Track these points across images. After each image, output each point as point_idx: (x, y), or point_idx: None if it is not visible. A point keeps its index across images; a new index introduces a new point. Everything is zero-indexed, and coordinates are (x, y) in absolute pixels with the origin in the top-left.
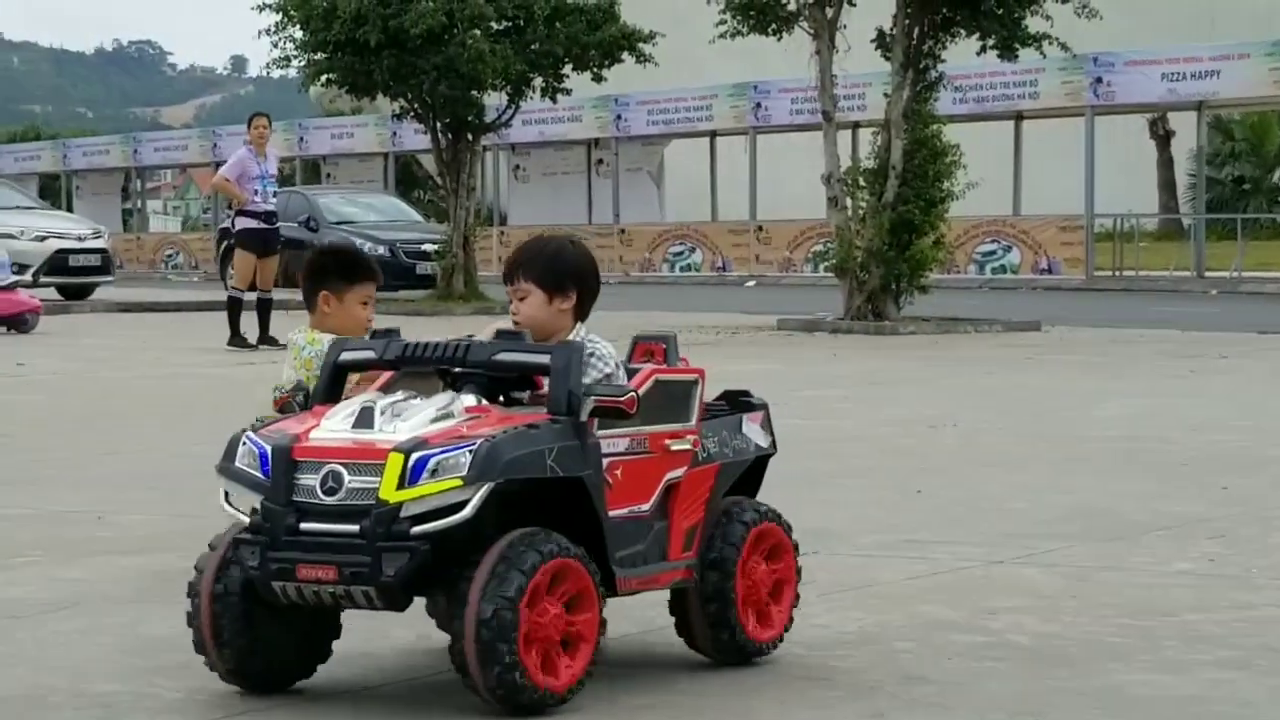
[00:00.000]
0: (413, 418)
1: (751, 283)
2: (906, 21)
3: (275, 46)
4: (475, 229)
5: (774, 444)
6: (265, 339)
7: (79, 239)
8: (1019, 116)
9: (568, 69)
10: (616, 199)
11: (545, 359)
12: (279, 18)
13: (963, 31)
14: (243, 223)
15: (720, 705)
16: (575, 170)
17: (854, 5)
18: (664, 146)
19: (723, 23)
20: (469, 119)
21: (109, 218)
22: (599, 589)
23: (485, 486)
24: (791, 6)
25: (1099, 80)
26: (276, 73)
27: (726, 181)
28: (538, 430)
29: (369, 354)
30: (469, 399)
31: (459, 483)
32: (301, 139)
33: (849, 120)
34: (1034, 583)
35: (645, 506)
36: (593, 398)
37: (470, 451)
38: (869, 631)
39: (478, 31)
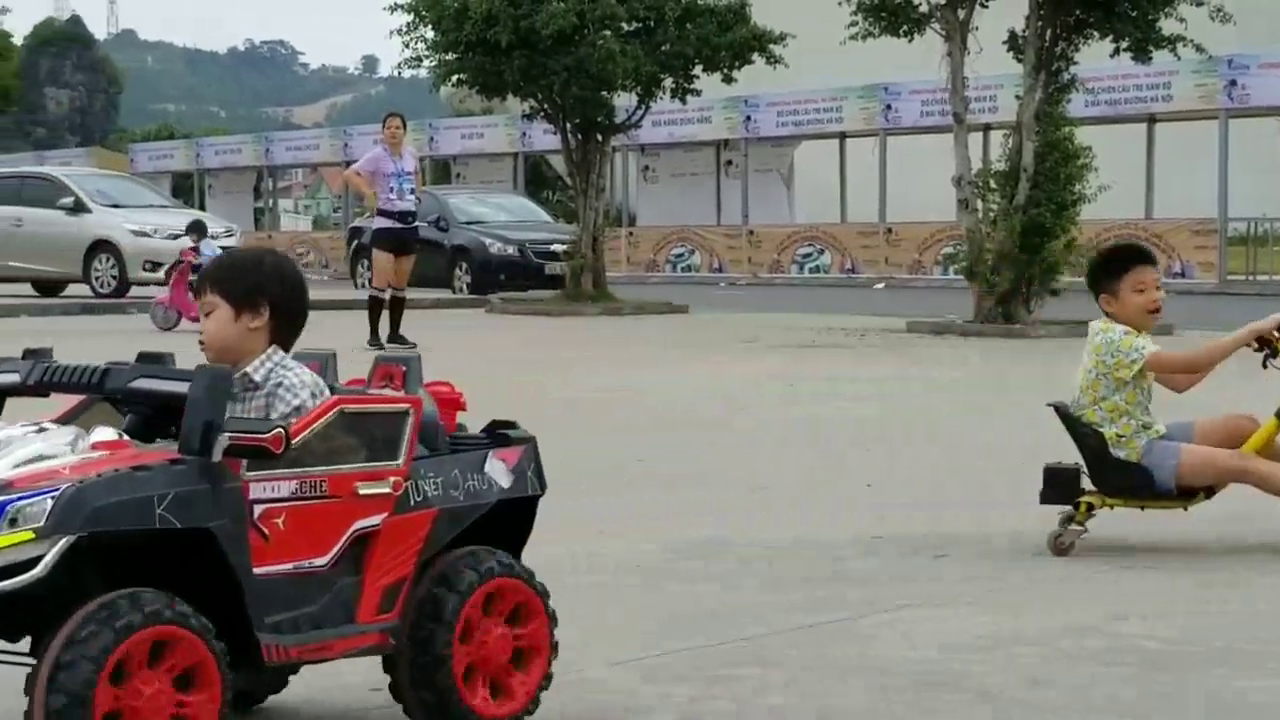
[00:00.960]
0: (9, 455)
1: (880, 285)
2: (1039, 23)
3: (407, 47)
4: (604, 229)
5: (536, 484)
6: (395, 338)
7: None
8: (1152, 119)
9: (698, 70)
10: (745, 200)
11: (183, 387)
12: (410, 18)
13: (1096, 33)
14: (379, 222)
15: (853, 708)
16: (704, 171)
17: (986, 7)
18: (794, 148)
19: (854, 24)
20: (599, 120)
21: (241, 216)
22: (220, 659)
23: (63, 540)
24: (923, 8)
25: (1233, 83)
26: (407, 73)
27: (856, 183)
28: (147, 473)
29: (14, 377)
30: (105, 433)
31: (31, 535)
32: (432, 139)
33: (980, 122)
34: (1163, 589)
35: (322, 560)
36: (226, 435)
37: (52, 498)
38: (997, 635)
39: (608, 32)
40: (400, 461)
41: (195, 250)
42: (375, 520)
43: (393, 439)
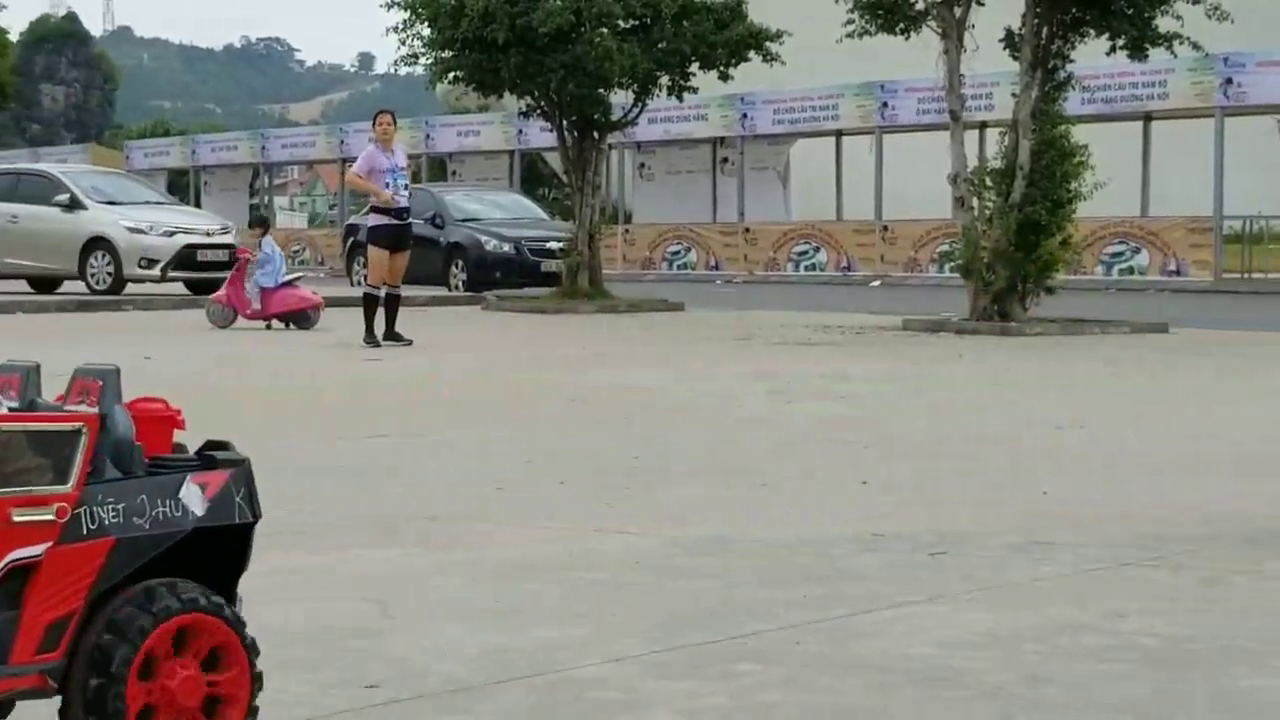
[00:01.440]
0: None
1: (876, 283)
2: (1035, 21)
3: (403, 44)
4: (600, 227)
5: (247, 511)
6: (391, 335)
7: (207, 234)
8: (1148, 117)
9: (694, 67)
10: (741, 198)
11: None
12: (407, 15)
13: (1092, 31)
14: (375, 219)
15: (853, 705)
16: (700, 169)
17: (982, 5)
18: (790, 145)
19: (850, 22)
20: (595, 117)
21: (237, 213)
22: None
23: None
24: (920, 6)
25: (1229, 81)
26: (404, 70)
27: (852, 181)
28: None
29: None
30: None
31: None
32: (428, 136)
33: (976, 120)
34: (1163, 585)
35: None
36: None
37: None
38: (996, 632)
39: (605, 30)
40: (70, 486)
41: (257, 244)
42: (36, 550)
43: (62, 461)
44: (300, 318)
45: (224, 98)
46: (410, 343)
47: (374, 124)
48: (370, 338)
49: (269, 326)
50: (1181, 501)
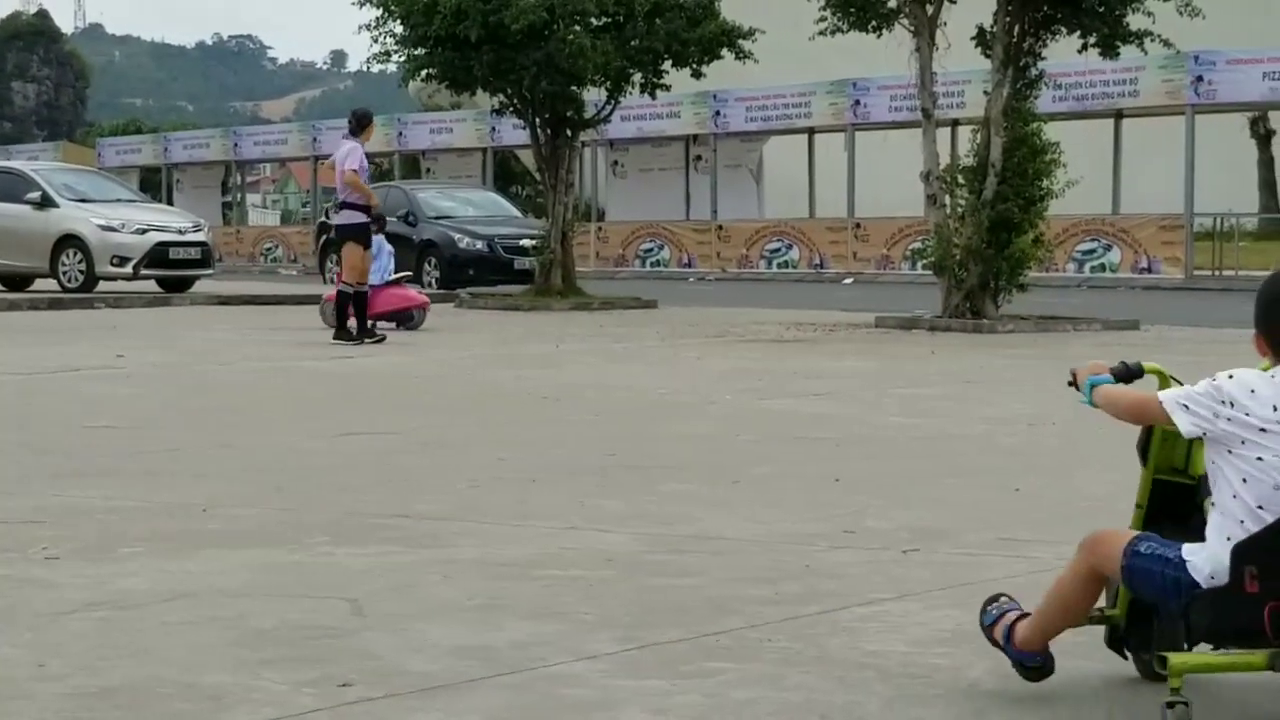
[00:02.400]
0: None
1: (849, 280)
2: (1007, 19)
3: (375, 41)
4: (573, 224)
5: None
6: (368, 331)
7: (179, 232)
8: (1119, 115)
9: (667, 65)
10: (715, 195)
11: None
12: (379, 13)
13: (1063, 29)
14: (353, 216)
15: (826, 702)
16: (673, 166)
17: (954, 2)
18: (763, 143)
19: (823, 19)
20: (568, 115)
21: (209, 211)
22: None
23: None
24: (892, 3)
25: (1200, 79)
26: (376, 67)
27: (824, 178)
28: None
29: None
30: None
31: None
32: (400, 134)
33: (948, 118)
34: None
35: None
36: None
37: None
38: (969, 630)
39: (578, 27)
40: None
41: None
42: None
43: None
44: (404, 317)
45: (196, 95)
46: (383, 339)
47: (367, 125)
48: (364, 333)
49: (373, 326)
50: None
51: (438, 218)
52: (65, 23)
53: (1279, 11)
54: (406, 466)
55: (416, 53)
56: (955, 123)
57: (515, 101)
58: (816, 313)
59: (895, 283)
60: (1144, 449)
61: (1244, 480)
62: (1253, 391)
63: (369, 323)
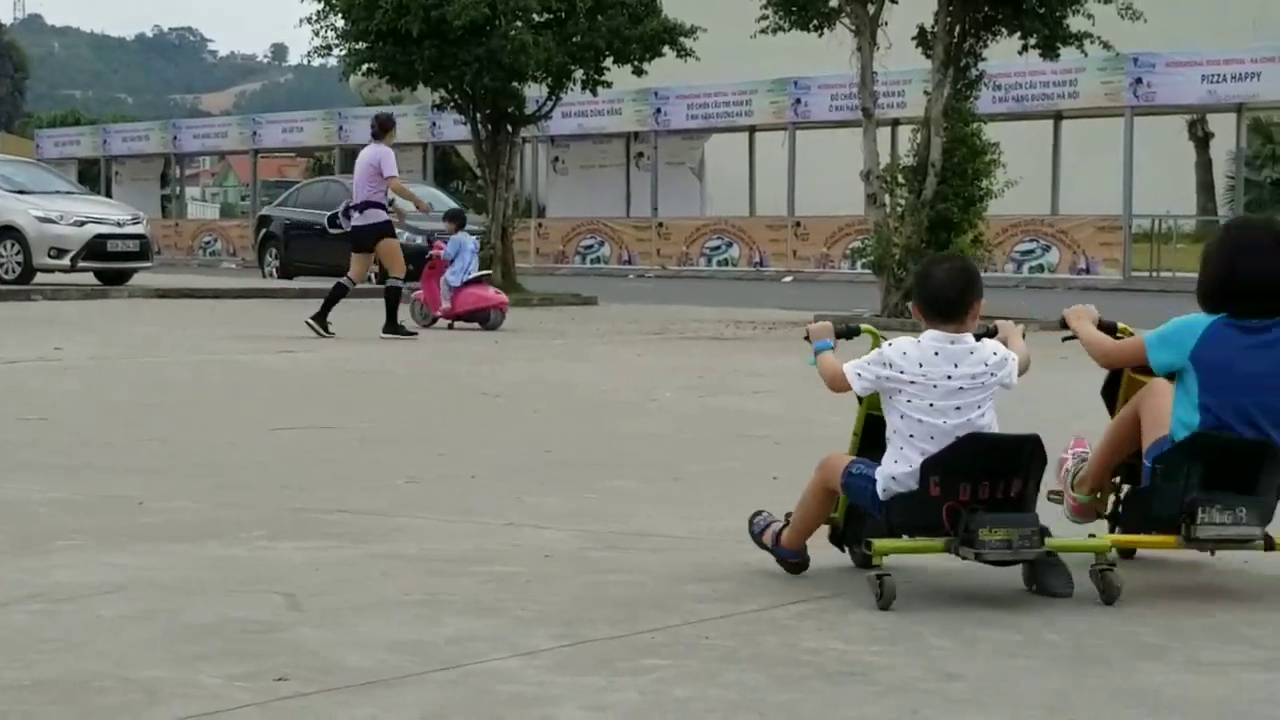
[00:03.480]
0: None
1: (789, 278)
2: (948, 19)
3: (316, 35)
4: (514, 220)
5: None
6: (320, 323)
7: (118, 224)
8: (1058, 116)
9: (608, 62)
10: (655, 192)
11: None
12: (320, 6)
13: (1004, 30)
14: (378, 215)
15: (764, 700)
16: (614, 163)
17: (896, 2)
18: (704, 141)
19: (764, 18)
20: (509, 110)
21: (148, 204)
22: None
23: None
24: (833, 2)
25: (1139, 81)
26: (317, 61)
27: (765, 177)
28: None
29: None
30: None
31: None
32: (341, 128)
33: (889, 117)
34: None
35: None
36: None
37: None
38: (904, 627)
39: (520, 23)
40: None
41: (444, 241)
42: None
43: None
44: (482, 317)
45: (135, 87)
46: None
47: (390, 129)
48: (396, 328)
49: (451, 326)
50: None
51: None
52: (4, 13)
53: (1218, 15)
54: (345, 461)
55: (358, 47)
56: (896, 122)
57: (456, 97)
58: (756, 311)
59: (835, 281)
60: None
61: (902, 417)
62: (904, 354)
63: (398, 322)
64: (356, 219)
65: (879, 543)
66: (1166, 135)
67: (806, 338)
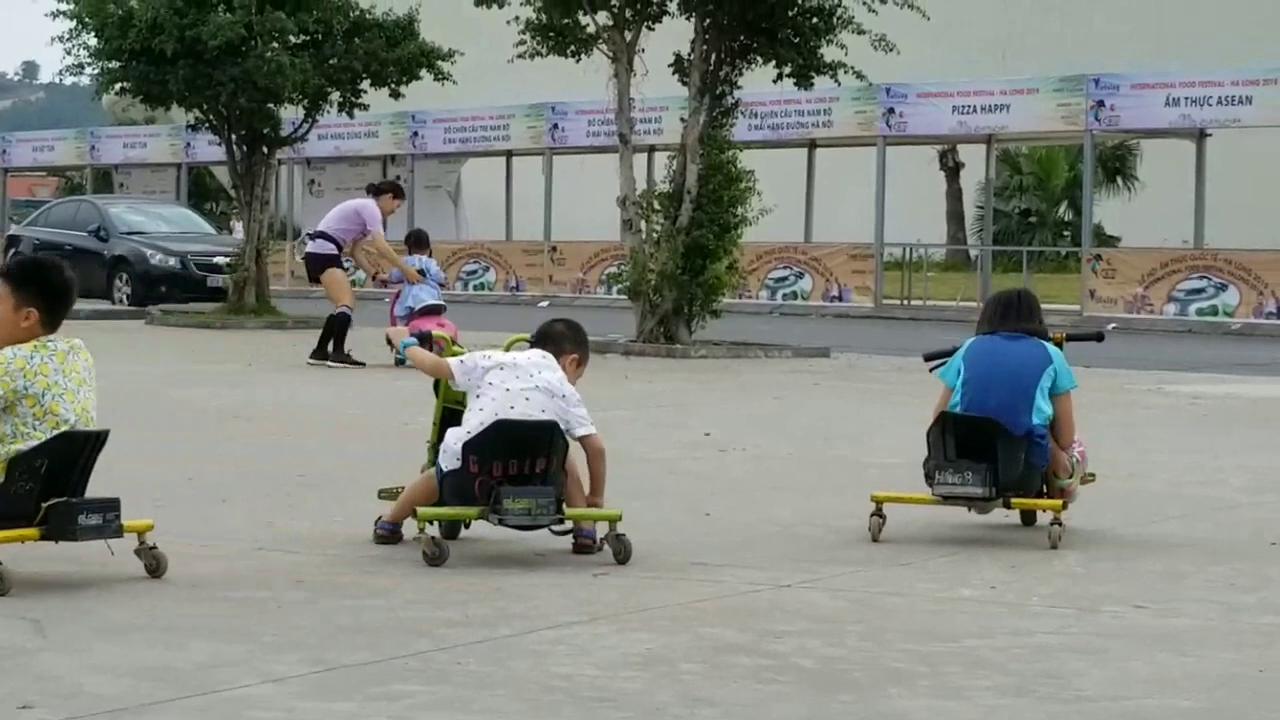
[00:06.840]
0: None
1: (545, 303)
2: (704, 47)
3: (68, 54)
4: (268, 243)
5: None
6: (323, 354)
7: None
8: (812, 144)
9: (366, 84)
10: (411, 216)
11: None
12: (73, 24)
13: (759, 59)
14: (328, 246)
15: None
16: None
17: (653, 30)
18: (461, 165)
19: (523, 43)
20: (265, 132)
21: None
22: None
23: None
24: (591, 29)
25: (891, 111)
26: (69, 80)
27: (522, 201)
28: None
29: None
30: None
31: None
32: (93, 148)
33: (645, 144)
34: (819, 607)
35: None
36: None
37: None
38: (656, 653)
39: (276, 44)
40: None
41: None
42: None
43: None
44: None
45: None
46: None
47: (385, 195)
48: (341, 357)
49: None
50: (838, 524)
51: (130, 233)
52: None
53: (969, 47)
54: (89, 483)
55: (111, 66)
56: (652, 149)
57: (211, 117)
58: (512, 335)
59: (591, 306)
60: (435, 389)
61: (481, 409)
62: (487, 356)
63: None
64: (310, 246)
65: (423, 510)
66: (918, 165)
67: (388, 341)
